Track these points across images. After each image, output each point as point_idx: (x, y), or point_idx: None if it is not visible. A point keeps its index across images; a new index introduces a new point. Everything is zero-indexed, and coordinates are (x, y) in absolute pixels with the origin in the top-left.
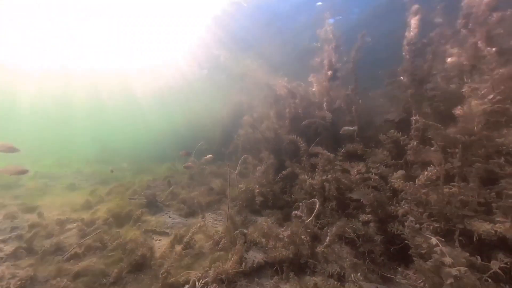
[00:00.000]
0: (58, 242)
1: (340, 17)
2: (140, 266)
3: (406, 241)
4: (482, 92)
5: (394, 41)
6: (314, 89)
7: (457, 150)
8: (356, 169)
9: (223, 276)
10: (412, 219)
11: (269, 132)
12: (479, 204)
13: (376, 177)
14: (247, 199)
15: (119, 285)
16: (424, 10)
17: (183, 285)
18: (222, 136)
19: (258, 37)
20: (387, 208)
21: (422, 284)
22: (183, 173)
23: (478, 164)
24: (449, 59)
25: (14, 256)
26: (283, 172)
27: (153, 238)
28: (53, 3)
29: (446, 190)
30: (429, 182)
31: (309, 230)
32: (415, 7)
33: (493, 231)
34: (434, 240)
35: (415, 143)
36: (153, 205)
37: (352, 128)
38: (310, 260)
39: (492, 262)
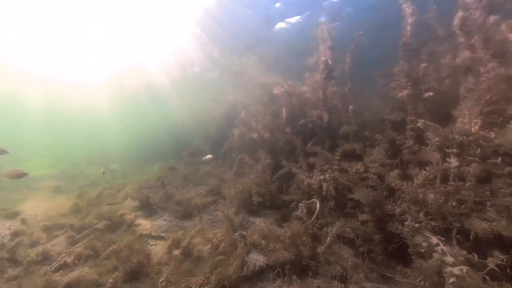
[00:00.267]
0: (45, 251)
1: (338, 23)
2: (137, 274)
3: (405, 240)
4: (479, 93)
5: (384, 41)
6: (309, 88)
7: (454, 150)
8: (354, 168)
9: (226, 282)
10: (411, 218)
11: (264, 131)
12: (475, 202)
13: (375, 176)
14: (244, 199)
15: None
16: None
17: None
18: (216, 135)
19: (253, 35)
20: (385, 207)
21: (422, 283)
22: (176, 173)
23: (475, 164)
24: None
25: None
26: (280, 172)
27: (148, 243)
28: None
29: (443, 189)
30: (427, 182)
31: (309, 231)
32: (411, 8)
33: (490, 229)
34: (434, 240)
35: (411, 142)
36: (147, 208)
37: (351, 127)
38: (312, 262)
39: (488, 259)
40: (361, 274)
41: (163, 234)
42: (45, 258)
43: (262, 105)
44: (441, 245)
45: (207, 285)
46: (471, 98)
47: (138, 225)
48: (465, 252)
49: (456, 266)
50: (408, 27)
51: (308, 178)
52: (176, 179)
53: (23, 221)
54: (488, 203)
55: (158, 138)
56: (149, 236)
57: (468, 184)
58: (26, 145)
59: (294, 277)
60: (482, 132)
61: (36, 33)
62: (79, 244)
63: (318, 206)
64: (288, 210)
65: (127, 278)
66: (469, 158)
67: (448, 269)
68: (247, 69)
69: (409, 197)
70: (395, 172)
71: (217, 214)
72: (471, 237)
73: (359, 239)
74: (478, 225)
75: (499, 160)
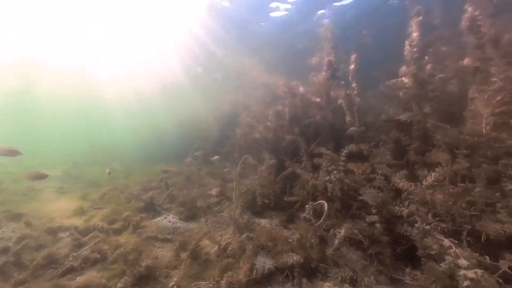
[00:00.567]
0: (51, 254)
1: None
2: (146, 278)
3: (414, 242)
4: (489, 94)
5: (387, 42)
6: (313, 88)
7: (464, 151)
8: (361, 169)
9: (236, 286)
10: (420, 220)
11: (267, 131)
12: (486, 204)
13: (382, 177)
14: (248, 200)
15: None
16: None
17: None
18: (218, 135)
19: (255, 34)
20: (392, 208)
21: (433, 286)
22: (178, 174)
23: (485, 165)
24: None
25: (1, 272)
26: (284, 173)
27: (155, 246)
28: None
29: (452, 190)
30: (436, 183)
31: (318, 233)
32: (417, 8)
33: (503, 231)
34: (446, 242)
35: (417, 143)
36: (151, 209)
37: (358, 128)
38: (321, 264)
39: (500, 262)
40: (372, 277)
41: (169, 236)
42: (51, 261)
43: (265, 105)
44: (454, 248)
45: None
46: (482, 99)
47: (144, 227)
48: (477, 254)
49: (469, 269)
50: (414, 27)
51: (313, 179)
52: (178, 179)
53: (27, 223)
54: (498, 204)
55: (159, 138)
56: (155, 238)
57: (478, 185)
58: (27, 145)
59: (304, 280)
60: (494, 133)
61: (35, 33)
62: (85, 247)
63: (326, 207)
64: (293, 212)
65: (136, 282)
66: (480, 159)
67: (462, 272)
68: (250, 69)
69: (417, 199)
70: (402, 173)
71: (222, 215)
72: (482, 239)
73: (367, 240)
74: (490, 227)
75: (511, 161)
